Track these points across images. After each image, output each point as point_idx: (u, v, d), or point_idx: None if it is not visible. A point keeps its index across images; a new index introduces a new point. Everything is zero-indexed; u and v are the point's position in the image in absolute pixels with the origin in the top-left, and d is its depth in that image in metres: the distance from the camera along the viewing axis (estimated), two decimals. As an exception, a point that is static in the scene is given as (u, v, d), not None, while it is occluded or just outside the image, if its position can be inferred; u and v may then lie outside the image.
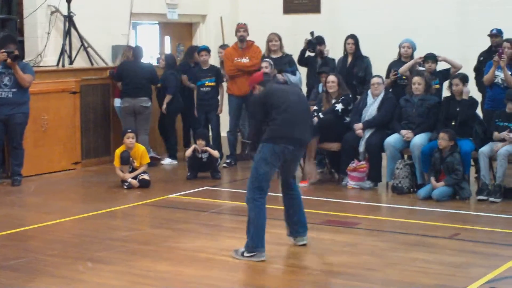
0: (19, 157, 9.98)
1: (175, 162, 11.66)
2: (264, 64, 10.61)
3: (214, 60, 12.35)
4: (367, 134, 9.67)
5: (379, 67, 10.57)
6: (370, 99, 9.85)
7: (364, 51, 10.74)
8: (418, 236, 7.30)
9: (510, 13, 11.90)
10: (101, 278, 6.09)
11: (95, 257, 6.62)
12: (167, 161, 11.66)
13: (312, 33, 10.96)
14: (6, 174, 10.27)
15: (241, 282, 6.15)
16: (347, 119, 9.97)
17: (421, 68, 9.88)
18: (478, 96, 10.26)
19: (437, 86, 9.97)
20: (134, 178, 9.77)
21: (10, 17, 11.49)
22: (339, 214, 8.26)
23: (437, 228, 7.63)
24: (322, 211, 8.28)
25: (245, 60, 11.25)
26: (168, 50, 14.11)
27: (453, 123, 9.22)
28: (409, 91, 9.61)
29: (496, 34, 10.53)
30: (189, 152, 10.35)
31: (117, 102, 11.49)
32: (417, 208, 8.63)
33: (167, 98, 11.42)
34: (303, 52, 11.13)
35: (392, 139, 9.49)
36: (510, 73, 9.41)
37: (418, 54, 10.18)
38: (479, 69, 10.58)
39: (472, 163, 9.39)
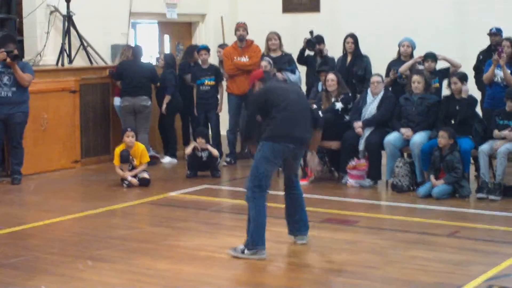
0: (19, 156, 9.99)
1: (174, 160, 11.67)
2: (263, 63, 10.61)
3: (213, 59, 12.36)
4: (367, 132, 9.68)
5: (378, 66, 10.57)
6: (369, 97, 9.86)
7: (364, 50, 10.74)
8: (417, 234, 7.31)
9: (509, 12, 11.90)
10: (101, 276, 6.09)
11: (95, 255, 6.62)
12: (166, 159, 11.67)
13: (311, 32, 10.96)
14: (6, 173, 10.28)
15: (241, 280, 6.15)
16: (347, 117, 9.98)
17: (420, 67, 9.89)
18: (477, 95, 10.27)
19: (437, 85, 9.97)
20: (134, 176, 9.77)
21: (10, 17, 11.48)
22: (339, 212, 8.27)
23: (436, 226, 7.64)
24: (322, 209, 8.28)
25: (244, 59, 11.25)
26: (167, 49, 14.10)
27: (452, 122, 9.23)
28: (409, 90, 9.61)
29: (495, 33, 10.53)
30: (189, 150, 10.36)
31: (116, 101, 11.49)
32: (416, 206, 8.63)
33: (166, 98, 11.42)
34: (302, 51, 11.13)
35: (391, 138, 9.49)
36: (509, 71, 9.42)
37: (418, 53, 10.18)
38: (479, 68, 10.59)
39: (472, 161, 9.40)
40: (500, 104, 9.25)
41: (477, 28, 11.40)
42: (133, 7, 12.65)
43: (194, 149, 10.29)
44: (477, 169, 9.28)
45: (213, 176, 10.35)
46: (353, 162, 9.62)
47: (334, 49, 11.18)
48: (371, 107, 9.79)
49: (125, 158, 9.80)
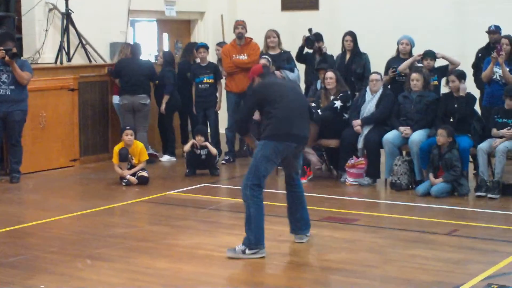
0: (18, 155, 9.98)
1: (173, 159, 11.67)
2: (262, 61, 10.58)
3: (212, 57, 12.35)
4: (366, 130, 9.68)
5: (377, 64, 10.56)
6: (368, 95, 9.85)
7: (363, 48, 10.73)
8: (416, 233, 7.31)
9: (509, 11, 11.89)
10: (100, 275, 6.09)
11: (94, 254, 6.62)
12: (165, 158, 11.67)
13: (310, 30, 10.95)
14: (5, 171, 10.28)
15: (240, 279, 6.14)
16: (346, 115, 9.98)
17: (419, 65, 9.88)
18: (476, 93, 10.27)
19: (436, 82, 9.97)
20: (133, 175, 9.77)
21: (8, 15, 11.46)
22: (338, 211, 8.27)
23: (435, 224, 7.64)
24: (320, 208, 8.27)
25: (243, 57, 11.25)
26: (166, 47, 14.09)
27: (451, 120, 9.23)
28: (408, 88, 9.61)
29: (494, 31, 10.54)
30: (187, 147, 10.35)
31: (115, 99, 11.49)
32: (415, 204, 8.64)
33: (165, 98, 11.41)
34: (301, 49, 11.12)
35: (390, 136, 9.49)
36: (508, 69, 9.42)
37: (417, 51, 10.17)
38: (477, 66, 10.59)
39: (471, 159, 9.40)
40: (498, 102, 9.26)
41: (477, 28, 11.38)
42: (132, 5, 12.63)
43: (193, 146, 10.29)
44: (476, 167, 9.29)
45: (212, 174, 10.35)
46: (352, 161, 9.62)
47: (333, 47, 11.18)
48: (370, 105, 9.79)
49: (124, 156, 9.79)
